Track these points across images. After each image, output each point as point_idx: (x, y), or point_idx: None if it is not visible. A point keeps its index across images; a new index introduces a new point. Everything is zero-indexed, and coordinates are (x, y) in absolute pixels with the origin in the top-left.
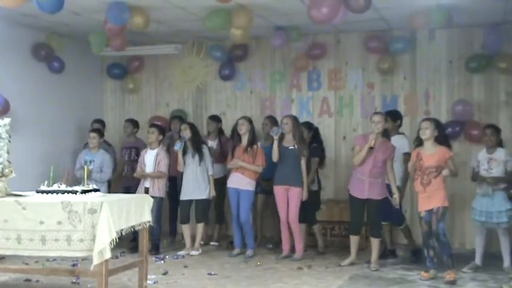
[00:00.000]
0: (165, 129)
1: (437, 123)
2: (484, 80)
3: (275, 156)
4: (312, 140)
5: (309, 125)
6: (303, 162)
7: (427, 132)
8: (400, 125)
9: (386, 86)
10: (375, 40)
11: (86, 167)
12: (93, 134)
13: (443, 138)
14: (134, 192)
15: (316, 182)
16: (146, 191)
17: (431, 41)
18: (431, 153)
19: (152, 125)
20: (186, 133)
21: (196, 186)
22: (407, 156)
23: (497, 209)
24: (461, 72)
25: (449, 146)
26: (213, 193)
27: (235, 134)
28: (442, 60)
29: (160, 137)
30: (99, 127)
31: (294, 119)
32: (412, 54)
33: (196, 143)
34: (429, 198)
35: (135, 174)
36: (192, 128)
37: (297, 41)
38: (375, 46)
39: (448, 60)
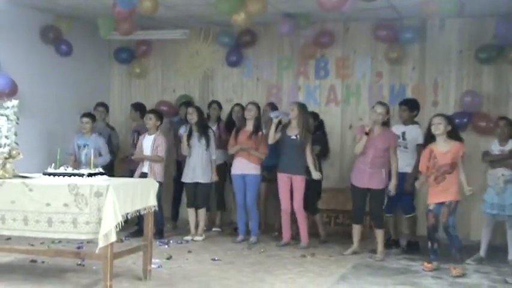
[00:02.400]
0: (162, 115)
1: (449, 119)
2: (493, 71)
3: (270, 139)
4: (315, 129)
5: (314, 115)
6: (308, 151)
7: (441, 128)
8: (416, 115)
9: (394, 75)
10: (384, 29)
11: (89, 152)
12: (86, 119)
13: (455, 133)
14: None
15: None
16: (144, 175)
17: (441, 31)
18: (445, 151)
19: (150, 111)
20: (193, 117)
21: (201, 169)
22: (420, 147)
23: (510, 202)
24: (471, 63)
25: (461, 141)
26: (215, 178)
27: (242, 117)
28: (451, 50)
29: (158, 123)
30: (103, 110)
31: (301, 106)
32: (422, 44)
33: (203, 127)
34: (442, 192)
35: (133, 157)
36: (199, 111)
37: (305, 28)
38: (384, 35)
39: (458, 50)
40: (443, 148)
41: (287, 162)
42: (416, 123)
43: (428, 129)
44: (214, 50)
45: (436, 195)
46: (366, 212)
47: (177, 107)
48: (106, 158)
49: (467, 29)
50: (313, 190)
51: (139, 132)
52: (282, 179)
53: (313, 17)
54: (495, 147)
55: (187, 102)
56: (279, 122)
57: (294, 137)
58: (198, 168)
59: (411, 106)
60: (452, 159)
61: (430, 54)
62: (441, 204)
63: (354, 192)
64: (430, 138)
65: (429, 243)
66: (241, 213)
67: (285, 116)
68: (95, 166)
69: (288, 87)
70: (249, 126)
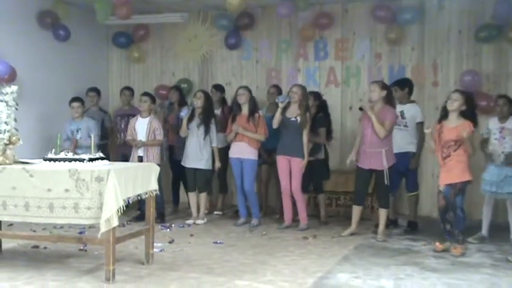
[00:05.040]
0: (155, 98)
1: (467, 98)
2: (493, 51)
3: (276, 123)
4: (318, 110)
5: (317, 95)
6: (305, 133)
7: (455, 104)
8: (409, 93)
9: (393, 56)
10: (383, 10)
11: (91, 136)
12: (76, 104)
13: (470, 114)
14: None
15: (322, 151)
16: (140, 159)
17: (440, 11)
18: (452, 127)
19: (144, 94)
20: (199, 102)
21: (199, 155)
22: (420, 125)
23: (508, 180)
24: (471, 43)
25: (475, 122)
26: (218, 164)
27: (236, 104)
28: (451, 30)
29: (152, 106)
30: (94, 95)
31: (303, 88)
32: (421, 24)
33: (206, 114)
34: (448, 172)
35: (135, 144)
36: (207, 97)
37: (304, 10)
38: (382, 16)
39: (457, 30)
40: (452, 124)
41: (286, 144)
42: (413, 101)
43: (445, 104)
44: (213, 33)
45: (444, 176)
46: (367, 194)
47: (168, 90)
48: (96, 138)
49: (466, 9)
50: (319, 170)
51: (124, 116)
52: (282, 161)
53: None
54: (494, 125)
55: (176, 86)
56: (285, 106)
57: (293, 119)
58: (194, 155)
59: (401, 85)
60: (457, 136)
61: (429, 34)
62: (450, 185)
63: (358, 173)
64: (444, 112)
65: (442, 225)
66: (240, 196)
67: (288, 99)
68: (87, 147)
69: (288, 69)
70: (245, 110)
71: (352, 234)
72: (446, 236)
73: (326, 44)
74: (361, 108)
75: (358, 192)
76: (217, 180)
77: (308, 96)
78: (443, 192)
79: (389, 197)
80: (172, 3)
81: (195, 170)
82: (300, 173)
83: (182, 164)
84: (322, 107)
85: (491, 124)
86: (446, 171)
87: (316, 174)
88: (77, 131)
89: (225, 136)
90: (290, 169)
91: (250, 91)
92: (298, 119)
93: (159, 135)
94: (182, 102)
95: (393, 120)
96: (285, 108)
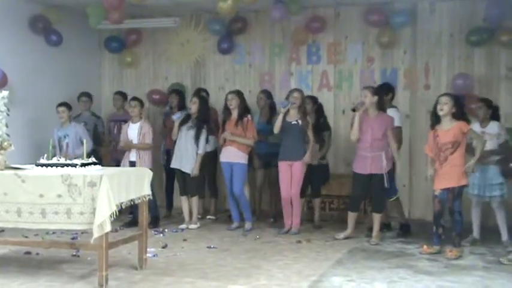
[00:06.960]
0: (143, 102)
1: (455, 99)
2: (484, 54)
3: (277, 128)
4: (316, 114)
5: (314, 99)
6: (310, 134)
7: (445, 108)
8: (392, 98)
9: (386, 59)
10: (375, 13)
11: (83, 142)
12: (61, 108)
13: (461, 114)
14: None
15: (327, 157)
16: (132, 164)
17: (432, 14)
18: (447, 129)
19: (134, 99)
20: (194, 107)
21: (188, 159)
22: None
23: (490, 183)
24: (462, 46)
25: (468, 121)
26: (196, 172)
27: (226, 108)
28: (442, 33)
29: (142, 110)
30: (87, 100)
31: (303, 92)
32: (413, 28)
33: (200, 119)
34: (446, 175)
35: (121, 145)
36: (202, 102)
37: (297, 14)
38: (375, 19)
39: (449, 33)
40: (446, 127)
41: (288, 149)
42: (394, 106)
43: (435, 108)
44: (206, 37)
45: (440, 180)
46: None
47: (167, 95)
48: (88, 144)
49: (458, 12)
50: (320, 174)
51: (117, 121)
52: (283, 167)
53: (304, 3)
54: (476, 129)
55: (177, 90)
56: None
57: (295, 122)
58: (185, 157)
59: (385, 90)
60: (454, 137)
61: (421, 38)
62: (447, 190)
63: (356, 180)
64: (435, 117)
65: (434, 228)
66: (232, 201)
67: (290, 104)
68: (77, 156)
69: (280, 73)
70: (234, 115)
71: (346, 238)
72: (434, 240)
73: (319, 47)
74: (354, 110)
75: (354, 199)
76: (208, 184)
77: (305, 100)
78: (439, 196)
79: (385, 201)
80: (165, 8)
81: (185, 173)
82: (301, 177)
83: (171, 165)
84: (320, 110)
85: (474, 128)
86: (442, 176)
87: (316, 178)
88: (65, 137)
89: (214, 140)
90: (291, 174)
91: (239, 95)
92: (300, 122)
93: (148, 139)
94: (181, 106)
95: (394, 128)
96: (285, 114)
